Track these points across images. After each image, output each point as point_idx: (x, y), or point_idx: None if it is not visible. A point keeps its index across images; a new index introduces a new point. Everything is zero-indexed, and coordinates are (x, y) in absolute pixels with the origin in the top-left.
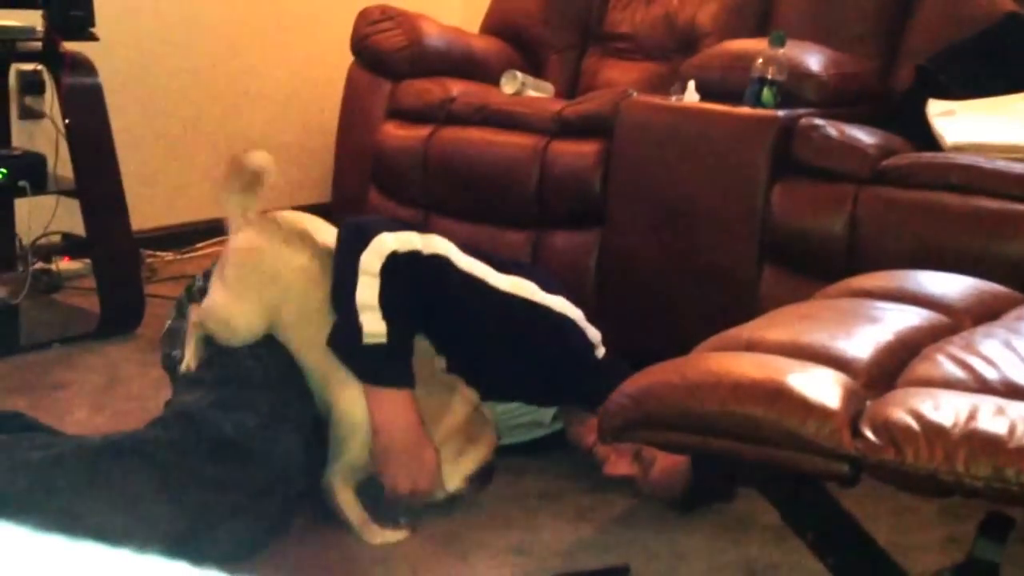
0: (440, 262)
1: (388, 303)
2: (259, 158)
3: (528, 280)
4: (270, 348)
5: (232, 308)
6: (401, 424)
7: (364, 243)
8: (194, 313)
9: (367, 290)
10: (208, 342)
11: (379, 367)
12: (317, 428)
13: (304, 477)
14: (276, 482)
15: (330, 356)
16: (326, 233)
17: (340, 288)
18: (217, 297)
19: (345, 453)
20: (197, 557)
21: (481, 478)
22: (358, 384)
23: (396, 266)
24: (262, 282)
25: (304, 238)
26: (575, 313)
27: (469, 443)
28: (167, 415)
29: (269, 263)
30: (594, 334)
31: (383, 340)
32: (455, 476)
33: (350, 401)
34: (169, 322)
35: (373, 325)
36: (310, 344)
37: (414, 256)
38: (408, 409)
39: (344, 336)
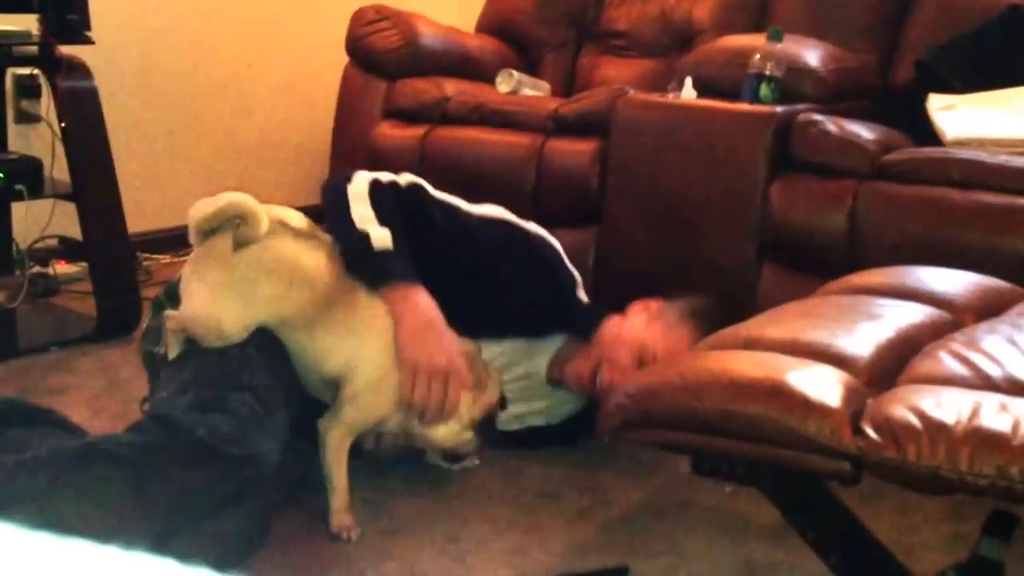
0: (417, 189)
1: (382, 214)
2: (242, 202)
3: (502, 208)
4: (258, 348)
5: (220, 309)
6: (421, 307)
7: (347, 181)
8: (171, 320)
9: (361, 209)
10: (190, 341)
11: (391, 267)
12: (301, 430)
13: (280, 484)
14: (248, 487)
15: (347, 322)
16: (296, 220)
17: (336, 217)
18: (200, 301)
19: (358, 406)
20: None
21: (487, 429)
22: (381, 336)
23: (379, 190)
24: (250, 279)
25: (283, 224)
26: (554, 242)
27: (475, 389)
28: (144, 419)
29: (256, 258)
30: (575, 274)
31: (389, 245)
32: (464, 417)
33: (377, 352)
34: (147, 321)
35: (378, 233)
36: (319, 322)
37: (393, 184)
38: (425, 297)
39: (355, 251)
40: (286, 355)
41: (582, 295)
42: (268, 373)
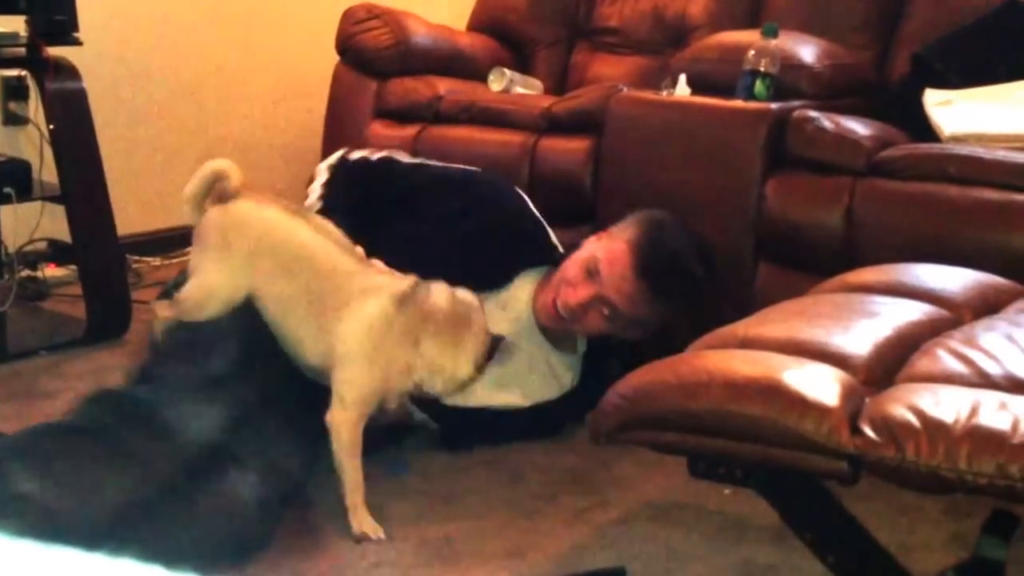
0: (387, 160)
1: (326, 190)
2: (217, 163)
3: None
4: (231, 331)
5: (207, 272)
6: None
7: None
8: (160, 308)
9: (316, 186)
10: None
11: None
12: (302, 431)
13: (272, 483)
14: (181, 452)
15: (324, 306)
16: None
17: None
18: (196, 273)
19: (357, 382)
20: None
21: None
22: (353, 311)
23: (335, 169)
24: (230, 236)
25: (265, 196)
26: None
27: (463, 328)
28: (85, 400)
29: (235, 216)
30: (546, 225)
31: (316, 206)
32: (462, 362)
33: (359, 324)
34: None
35: (310, 200)
36: (290, 295)
37: (353, 161)
38: None
39: None
40: (263, 339)
41: (556, 243)
42: (223, 349)
